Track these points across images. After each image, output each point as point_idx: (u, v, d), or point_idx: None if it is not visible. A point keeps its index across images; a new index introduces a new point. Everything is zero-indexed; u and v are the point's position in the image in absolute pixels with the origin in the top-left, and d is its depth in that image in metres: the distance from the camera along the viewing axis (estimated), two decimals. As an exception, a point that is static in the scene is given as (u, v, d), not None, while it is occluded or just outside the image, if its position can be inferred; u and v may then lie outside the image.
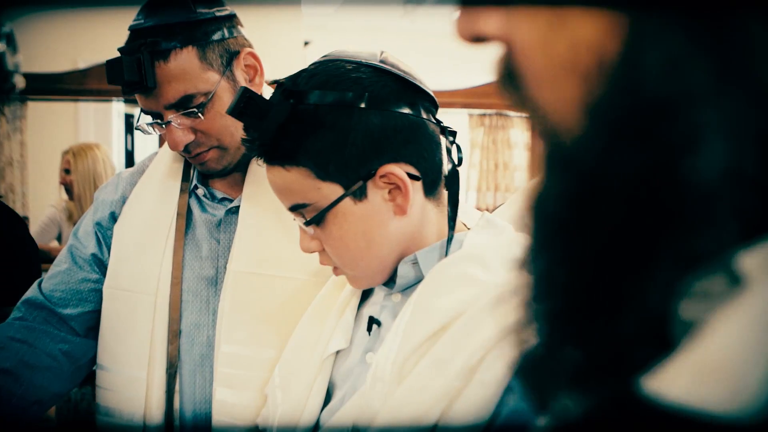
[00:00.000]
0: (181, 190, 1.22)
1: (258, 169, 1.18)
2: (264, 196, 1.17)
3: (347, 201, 0.85)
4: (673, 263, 0.28)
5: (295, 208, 0.88)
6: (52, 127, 4.48)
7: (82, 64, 4.00)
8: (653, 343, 0.29)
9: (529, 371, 0.36)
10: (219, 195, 1.22)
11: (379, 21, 5.65)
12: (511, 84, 0.34)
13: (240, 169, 1.21)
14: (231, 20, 1.16)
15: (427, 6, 5.28)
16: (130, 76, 1.06)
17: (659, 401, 0.27)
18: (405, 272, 0.89)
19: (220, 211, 1.21)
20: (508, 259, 0.90)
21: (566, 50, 0.30)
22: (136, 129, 1.19)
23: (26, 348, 1.18)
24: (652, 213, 0.28)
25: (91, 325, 1.23)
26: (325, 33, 5.11)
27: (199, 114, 1.10)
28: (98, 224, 1.25)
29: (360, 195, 0.85)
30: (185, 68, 1.09)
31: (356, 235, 0.86)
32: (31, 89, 3.52)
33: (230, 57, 1.14)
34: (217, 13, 1.14)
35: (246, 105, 0.83)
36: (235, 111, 0.84)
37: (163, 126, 1.13)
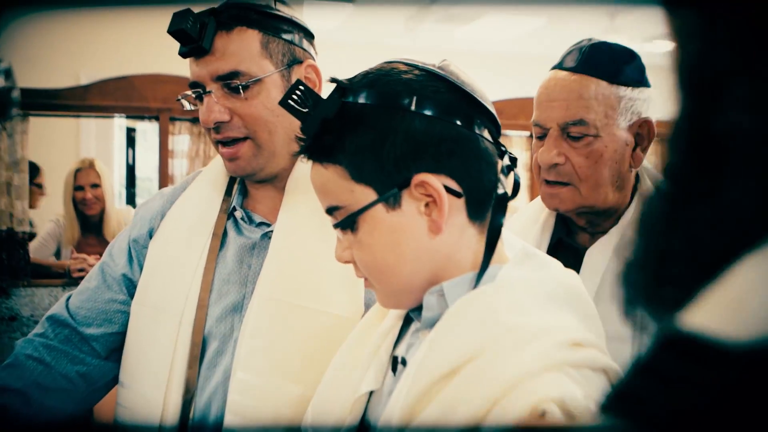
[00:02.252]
0: (220, 210, 1.19)
1: (295, 195, 1.14)
2: (300, 222, 1.12)
3: (380, 208, 0.79)
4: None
5: (330, 211, 0.83)
6: (54, 142, 4.49)
7: (84, 80, 4.02)
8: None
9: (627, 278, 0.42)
10: (257, 219, 1.18)
11: (382, 37, 5.67)
12: None
13: (278, 188, 1.17)
14: (307, 35, 1.17)
15: (429, 23, 5.30)
16: (190, 30, 1.06)
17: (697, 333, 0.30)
18: (430, 303, 0.82)
19: (255, 234, 1.16)
20: (544, 296, 0.81)
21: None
22: (177, 100, 1.18)
23: (42, 368, 1.15)
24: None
25: (114, 347, 1.19)
26: (326, 49, 5.13)
27: (241, 90, 1.09)
28: (135, 241, 1.22)
29: (393, 203, 0.79)
30: (243, 46, 1.09)
31: (385, 247, 0.80)
32: (33, 105, 3.53)
33: (292, 61, 1.13)
34: (296, 20, 1.15)
35: (298, 96, 0.81)
36: (285, 100, 0.82)
37: (203, 96, 1.11)
